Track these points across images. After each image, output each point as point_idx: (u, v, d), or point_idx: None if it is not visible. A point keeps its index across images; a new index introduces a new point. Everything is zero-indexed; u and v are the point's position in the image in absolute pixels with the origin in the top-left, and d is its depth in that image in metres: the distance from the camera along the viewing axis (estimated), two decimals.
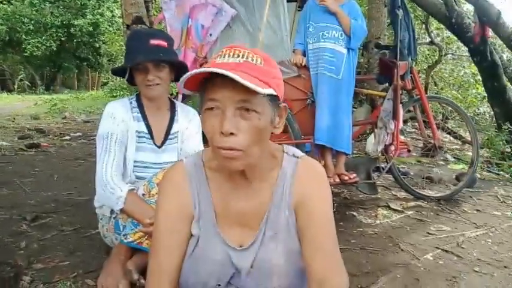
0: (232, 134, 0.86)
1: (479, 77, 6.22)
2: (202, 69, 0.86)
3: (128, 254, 1.61)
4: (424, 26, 7.72)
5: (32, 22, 19.37)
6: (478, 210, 2.96)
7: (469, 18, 4.61)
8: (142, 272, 1.51)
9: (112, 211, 1.70)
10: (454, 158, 4.86)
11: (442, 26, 7.26)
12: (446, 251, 2.21)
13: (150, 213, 1.48)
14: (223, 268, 1.02)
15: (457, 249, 2.23)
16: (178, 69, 1.83)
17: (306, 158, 1.07)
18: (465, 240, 2.36)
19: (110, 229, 1.74)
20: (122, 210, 1.59)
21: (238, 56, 0.90)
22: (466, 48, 5.73)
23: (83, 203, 2.79)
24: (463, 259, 2.10)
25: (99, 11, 20.54)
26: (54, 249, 2.02)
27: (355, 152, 4.40)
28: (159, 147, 1.84)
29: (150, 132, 1.82)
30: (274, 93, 0.90)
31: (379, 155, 3.05)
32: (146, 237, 1.54)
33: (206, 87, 0.90)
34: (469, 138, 3.81)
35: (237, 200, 1.03)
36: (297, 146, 2.70)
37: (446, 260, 2.08)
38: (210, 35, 2.72)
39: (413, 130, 6.28)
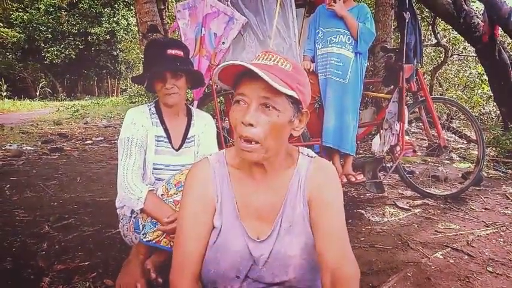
0: (251, 125, 0.96)
1: (485, 77, 6.11)
2: (233, 62, 0.96)
3: (146, 253, 1.65)
4: (430, 27, 7.65)
5: (50, 30, 19.78)
6: (486, 209, 2.91)
7: (478, 17, 4.52)
8: (161, 271, 1.58)
9: (132, 211, 1.75)
10: (460, 157, 4.78)
11: (448, 26, 7.16)
12: (457, 249, 2.16)
13: (169, 212, 1.55)
14: (242, 259, 1.08)
15: (467, 248, 2.19)
16: (194, 77, 1.91)
17: (319, 158, 1.16)
18: (475, 239, 2.31)
19: (130, 228, 1.78)
20: (141, 210, 1.63)
21: (270, 59, 1.00)
22: (473, 49, 5.64)
23: (104, 203, 2.83)
24: (474, 258, 2.05)
25: (115, 19, 20.85)
26: (75, 249, 2.05)
27: (361, 152, 4.41)
28: (177, 150, 1.88)
29: (168, 136, 1.86)
30: (296, 96, 0.99)
31: (385, 155, 3.06)
32: (164, 235, 1.57)
33: (238, 83, 1.01)
34: (475, 137, 3.77)
35: (257, 195, 1.10)
36: (306, 147, 2.77)
37: (457, 259, 2.04)
38: (223, 43, 2.78)
39: (418, 130, 6.19)
